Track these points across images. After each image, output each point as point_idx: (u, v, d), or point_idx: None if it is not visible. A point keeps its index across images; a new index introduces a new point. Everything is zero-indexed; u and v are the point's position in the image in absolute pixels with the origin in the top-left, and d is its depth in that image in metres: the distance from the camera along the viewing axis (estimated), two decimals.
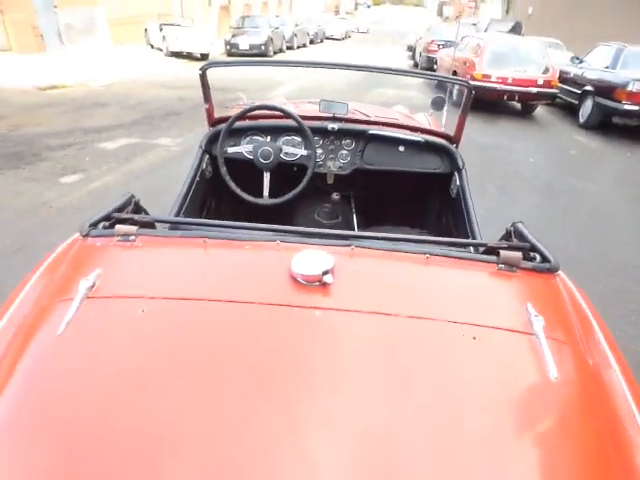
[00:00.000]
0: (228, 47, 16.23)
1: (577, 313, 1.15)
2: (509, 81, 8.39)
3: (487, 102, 8.71)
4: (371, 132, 2.36)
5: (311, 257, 1.02)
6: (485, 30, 16.37)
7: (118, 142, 5.61)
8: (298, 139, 2.35)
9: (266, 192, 2.22)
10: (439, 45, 12.64)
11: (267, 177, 2.25)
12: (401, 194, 2.77)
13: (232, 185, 2.16)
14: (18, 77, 9.46)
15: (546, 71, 8.52)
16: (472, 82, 8.24)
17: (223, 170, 2.14)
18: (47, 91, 8.74)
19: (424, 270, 1.16)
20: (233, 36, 16.47)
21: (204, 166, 2.35)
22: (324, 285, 1.01)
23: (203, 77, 2.19)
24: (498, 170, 5.65)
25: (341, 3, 41.74)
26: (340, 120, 2.37)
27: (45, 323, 0.94)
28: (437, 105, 2.63)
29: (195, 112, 6.90)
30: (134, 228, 1.17)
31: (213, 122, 2.38)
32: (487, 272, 1.16)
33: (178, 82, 10.24)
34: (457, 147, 2.43)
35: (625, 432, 0.87)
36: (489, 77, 8.38)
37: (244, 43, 15.96)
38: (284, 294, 0.99)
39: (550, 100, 8.96)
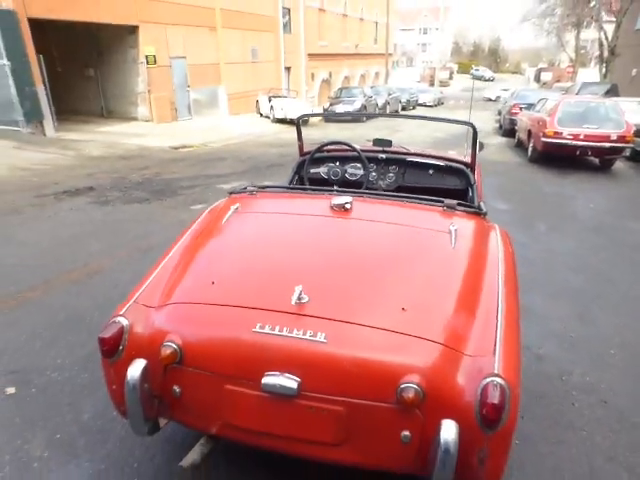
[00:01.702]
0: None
1: (487, 235, 2.07)
2: (581, 137, 8.93)
3: (561, 158, 9.27)
4: (408, 159, 3.39)
5: (340, 198, 2.08)
6: (577, 93, 16.78)
7: (232, 183, 7.13)
8: (358, 165, 3.43)
9: None
10: (521, 108, 13.38)
11: (335, 188, 3.36)
12: None
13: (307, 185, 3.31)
14: (158, 140, 11.88)
15: (620, 127, 8.94)
16: (544, 139, 8.82)
17: (306, 182, 3.29)
18: (179, 150, 10.92)
19: (400, 206, 2.17)
20: (331, 105, 18.59)
21: (294, 183, 3.50)
22: (346, 210, 2.05)
23: (298, 124, 3.41)
24: (555, 213, 6.24)
25: (435, 73, 43.84)
26: (387, 152, 3.44)
27: (217, 220, 2.09)
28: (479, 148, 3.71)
29: (292, 163, 8.38)
30: (255, 188, 2.32)
31: (302, 154, 3.56)
32: (437, 209, 2.13)
33: (280, 142, 12.08)
34: (472, 171, 3.35)
35: (480, 285, 1.76)
36: (560, 134, 8.99)
37: (340, 110, 17.91)
38: (329, 212, 2.06)
39: (622, 154, 9.28)
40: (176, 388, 1.61)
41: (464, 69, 72.32)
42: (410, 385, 1.38)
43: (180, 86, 16.25)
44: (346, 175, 3.39)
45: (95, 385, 2.42)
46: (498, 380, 1.38)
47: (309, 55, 24.61)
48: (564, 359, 2.87)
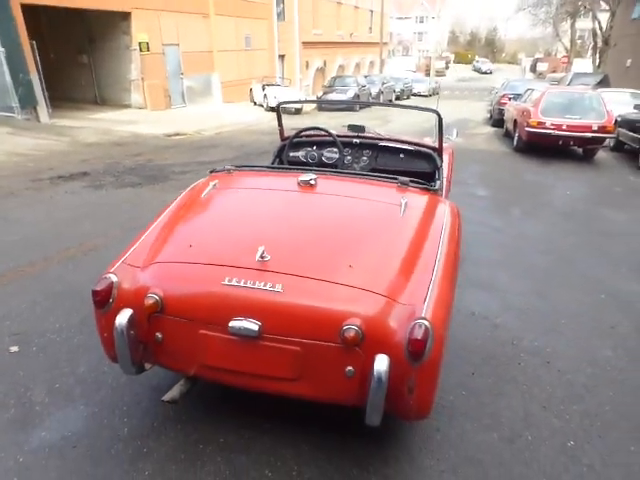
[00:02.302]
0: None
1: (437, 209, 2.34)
2: (564, 127, 9.19)
3: (545, 147, 9.54)
4: (380, 144, 3.65)
5: (306, 175, 2.35)
6: (568, 84, 17.02)
7: None
8: (334, 149, 3.68)
9: None
10: (509, 98, 13.61)
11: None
12: None
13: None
14: (151, 127, 12.05)
15: (601, 117, 9.21)
16: (528, 129, 9.07)
17: (285, 164, 3.55)
18: (172, 137, 11.10)
19: (360, 183, 2.44)
20: (324, 94, 18.74)
21: (276, 163, 3.75)
22: (311, 185, 2.32)
23: (277, 111, 3.65)
24: (532, 200, 6.51)
25: (431, 63, 43.78)
26: (361, 137, 3.70)
27: (198, 194, 2.36)
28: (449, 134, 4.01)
29: None
30: (233, 167, 2.58)
31: (283, 139, 3.81)
32: (392, 185, 2.40)
33: (273, 130, 12.20)
34: (440, 155, 3.61)
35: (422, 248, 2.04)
36: (543, 124, 9.25)
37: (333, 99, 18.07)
38: (296, 187, 2.32)
39: (603, 144, 9.56)
40: (158, 335, 1.89)
41: (460, 59, 72.22)
42: (351, 327, 1.66)
43: (174, 74, 16.35)
44: (323, 158, 3.65)
45: (90, 345, 2.69)
46: (423, 322, 1.66)
47: (303, 43, 24.64)
48: (518, 327, 3.16)
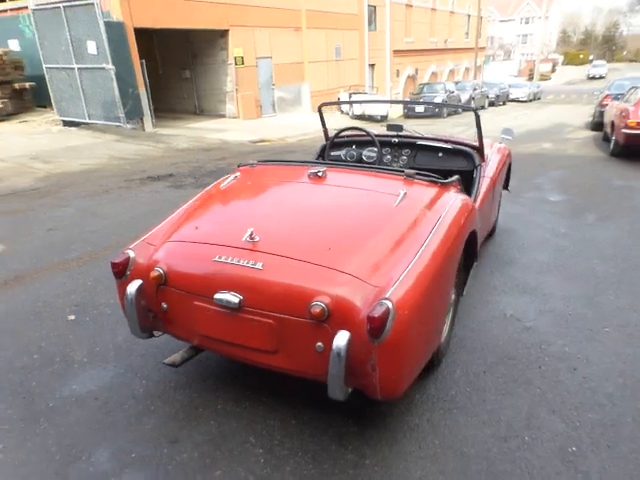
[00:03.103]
0: (405, 110, 18.36)
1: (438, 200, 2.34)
2: None
3: None
4: (418, 143, 3.66)
5: (316, 167, 2.49)
6: None
7: None
8: (374, 148, 3.76)
9: None
10: (612, 98, 12.49)
11: None
12: None
13: None
14: (240, 135, 12.87)
15: None
16: (626, 130, 8.40)
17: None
18: (256, 144, 11.78)
19: (367, 175, 2.51)
20: None
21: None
22: (319, 177, 2.45)
23: (320, 112, 3.82)
24: (612, 206, 5.97)
25: (535, 66, 41.37)
26: (400, 137, 3.74)
27: (218, 185, 2.60)
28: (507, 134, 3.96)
29: None
30: (255, 162, 2.78)
31: (327, 139, 3.97)
32: (398, 178, 2.44)
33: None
34: (480, 153, 3.54)
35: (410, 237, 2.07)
36: None
37: (419, 107, 17.88)
38: (306, 178, 2.47)
39: None
40: (164, 304, 2.13)
41: (571, 60, 67.02)
42: (318, 303, 1.76)
43: (265, 85, 17.28)
44: (363, 157, 3.74)
45: None
46: (386, 302, 1.71)
47: (394, 52, 24.68)
48: (551, 332, 2.99)
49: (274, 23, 16.98)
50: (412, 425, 2.19)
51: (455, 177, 2.73)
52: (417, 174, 2.49)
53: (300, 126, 15.29)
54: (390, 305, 1.71)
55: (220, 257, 2.00)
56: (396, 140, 3.78)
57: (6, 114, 11.89)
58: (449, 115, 18.66)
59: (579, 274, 3.84)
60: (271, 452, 2.03)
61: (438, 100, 18.14)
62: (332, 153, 3.88)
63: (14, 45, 12.96)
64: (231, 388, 2.44)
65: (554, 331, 3.00)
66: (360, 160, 3.75)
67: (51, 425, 2.19)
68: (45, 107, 12.86)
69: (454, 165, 3.60)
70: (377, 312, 1.68)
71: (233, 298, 1.90)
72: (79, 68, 10.72)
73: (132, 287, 2.10)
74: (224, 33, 15.52)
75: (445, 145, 3.63)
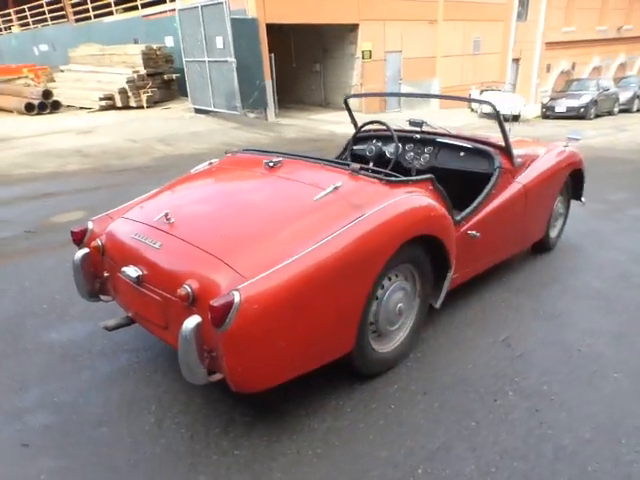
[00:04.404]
0: (544, 110, 16.64)
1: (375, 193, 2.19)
2: None
3: None
4: (438, 140, 3.38)
5: (273, 158, 2.49)
6: None
7: None
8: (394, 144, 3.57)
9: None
10: None
11: (371, 164, 3.60)
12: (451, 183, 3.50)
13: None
14: (351, 127, 12.96)
15: None
16: None
17: (346, 157, 3.66)
18: None
19: (315, 167, 2.43)
20: (551, 99, 16.76)
21: (343, 157, 3.86)
22: (271, 167, 2.46)
23: (346, 104, 3.75)
24: None
25: None
26: (421, 132, 3.49)
27: (192, 171, 2.74)
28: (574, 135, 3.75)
29: None
30: (238, 150, 2.87)
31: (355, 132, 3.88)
32: (344, 172, 2.32)
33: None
34: (508, 154, 3.14)
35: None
36: None
37: (561, 106, 16.06)
38: (261, 169, 2.49)
39: None
40: (105, 273, 2.35)
41: None
42: (185, 286, 1.80)
43: (392, 79, 17.09)
44: (386, 153, 3.58)
45: None
46: (234, 293, 1.68)
47: (547, 44, 22.42)
48: (541, 365, 2.56)
49: (407, 16, 16.65)
50: (306, 428, 2.10)
51: (423, 176, 2.49)
52: (362, 168, 2.33)
53: None
54: (237, 297, 1.67)
55: (136, 234, 2.15)
56: (418, 137, 3.53)
57: (153, 101, 13.65)
58: (598, 116, 16.40)
59: (628, 308, 3.20)
60: (160, 422, 2.13)
61: (586, 99, 16.02)
62: (355, 147, 3.78)
63: (169, 41, 14.74)
64: (164, 359, 2.58)
65: (546, 364, 2.57)
66: (381, 156, 3.58)
67: (16, 362, 2.58)
68: (186, 96, 14.45)
69: (474, 166, 3.24)
70: (218, 302, 1.67)
71: (133, 272, 2.03)
72: (209, 61, 11.83)
73: (78, 254, 2.36)
74: (354, 27, 15.70)
75: (465, 144, 3.29)
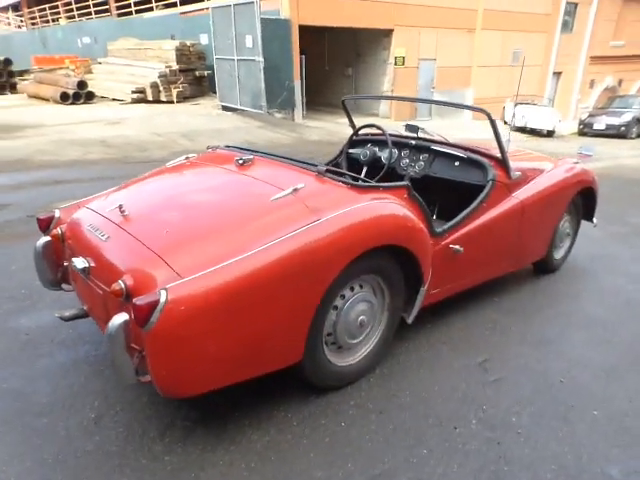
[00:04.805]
0: (581, 126, 16.05)
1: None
2: None
3: None
4: (432, 147, 3.23)
5: (244, 156, 2.41)
6: None
7: None
8: (392, 150, 3.44)
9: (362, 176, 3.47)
10: None
11: (364, 169, 3.49)
12: (445, 193, 3.36)
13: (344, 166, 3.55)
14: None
15: None
16: None
17: (341, 160, 3.54)
18: None
19: (284, 167, 2.33)
20: (590, 115, 16.15)
21: (339, 160, 3.75)
22: (241, 165, 2.37)
23: (344, 106, 3.64)
24: None
25: None
26: (417, 139, 3.35)
27: (167, 164, 2.69)
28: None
29: None
30: (217, 146, 2.80)
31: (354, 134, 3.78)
32: (311, 173, 2.22)
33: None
34: (505, 166, 2.98)
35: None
36: None
37: (600, 123, 15.46)
38: (231, 166, 2.41)
39: None
40: (65, 262, 2.32)
41: None
42: (119, 282, 1.73)
43: (424, 87, 16.83)
44: (381, 159, 3.45)
45: None
46: (161, 291, 1.60)
47: (592, 58, 21.62)
48: (515, 395, 2.39)
49: (443, 24, 16.36)
50: (246, 439, 2.00)
51: (398, 183, 2.36)
52: (328, 171, 2.22)
53: (444, 131, 14.52)
54: (163, 296, 1.59)
55: (90, 224, 2.10)
56: (413, 143, 3.39)
57: (184, 97, 13.84)
58: (639, 136, 15.70)
59: (625, 340, 2.97)
60: (99, 418, 2.07)
61: (627, 117, 15.32)
62: (351, 151, 3.66)
63: (204, 39, 14.93)
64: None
65: (520, 394, 2.39)
66: (376, 161, 3.45)
67: None
68: (216, 93, 14.61)
69: (467, 177, 3.08)
70: (142, 300, 1.59)
71: (80, 263, 1.98)
72: (238, 59, 11.91)
73: (40, 242, 2.34)
74: (388, 33, 15.54)
75: (460, 153, 3.12)
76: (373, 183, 2.29)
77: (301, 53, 13.59)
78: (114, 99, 14.00)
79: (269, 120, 12.74)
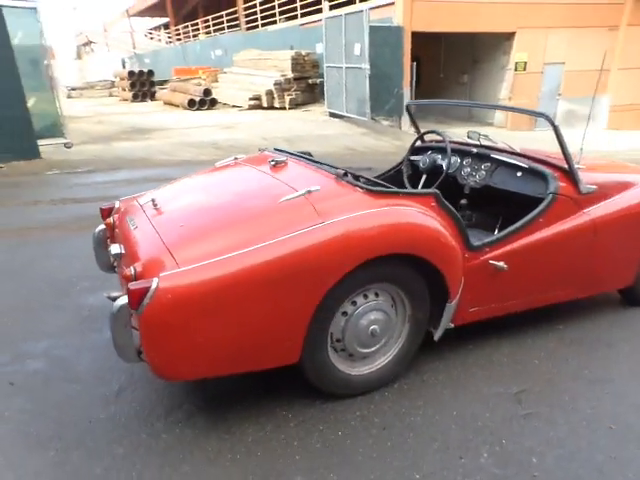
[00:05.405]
0: None
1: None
2: None
3: None
4: (493, 156, 3.00)
5: (276, 157, 2.49)
6: None
7: None
8: (452, 157, 3.27)
9: (420, 185, 3.36)
10: None
11: (424, 177, 3.38)
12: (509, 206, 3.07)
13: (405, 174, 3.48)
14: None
15: None
16: None
17: (404, 168, 3.47)
18: None
19: (311, 169, 2.35)
20: None
21: (404, 165, 3.66)
22: (274, 167, 2.46)
23: (408, 111, 3.55)
24: None
25: None
26: (479, 147, 3.14)
27: (216, 164, 2.88)
28: None
29: None
30: (270, 149, 2.91)
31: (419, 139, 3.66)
32: (331, 176, 2.21)
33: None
34: (574, 175, 2.67)
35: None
36: None
37: None
38: (264, 167, 2.51)
39: None
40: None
41: None
42: (131, 268, 1.90)
43: (548, 94, 15.54)
44: (438, 165, 3.32)
45: None
46: (153, 280, 1.72)
47: None
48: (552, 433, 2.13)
49: (577, 22, 14.91)
50: (240, 431, 2.04)
51: (424, 190, 2.25)
52: (346, 174, 2.18)
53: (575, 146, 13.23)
54: (154, 283, 1.71)
55: (130, 214, 2.33)
56: (475, 151, 3.17)
57: (296, 103, 14.48)
58: None
59: None
60: (119, 392, 2.28)
61: None
62: (412, 157, 3.55)
63: (319, 48, 15.47)
64: None
65: (552, 434, 2.11)
66: (437, 168, 3.31)
67: (46, 315, 3.00)
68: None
69: (528, 189, 2.79)
70: (136, 285, 1.72)
71: (114, 249, 2.21)
72: (346, 67, 12.13)
73: (97, 229, 2.64)
74: (509, 36, 14.64)
75: (521, 163, 2.84)
76: (394, 189, 2.21)
77: (415, 60, 13.40)
78: (234, 105, 15.14)
79: (374, 127, 12.76)
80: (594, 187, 2.78)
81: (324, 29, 12.75)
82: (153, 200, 2.25)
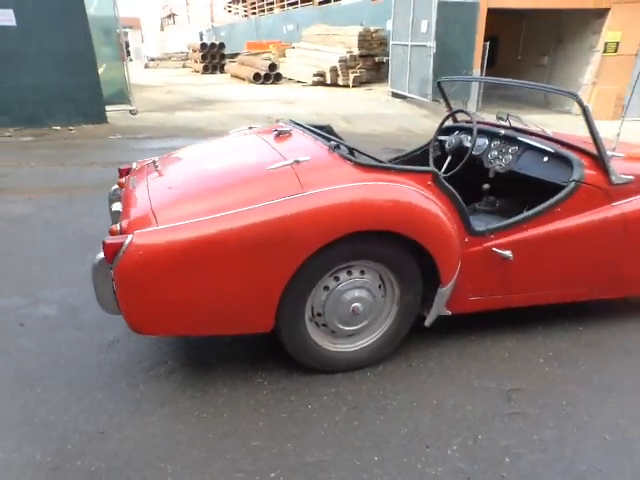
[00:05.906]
0: None
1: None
2: None
3: None
4: (520, 139, 2.80)
5: (282, 128, 2.48)
6: None
7: None
8: (483, 138, 3.10)
9: (444, 167, 3.21)
10: None
11: (449, 158, 3.23)
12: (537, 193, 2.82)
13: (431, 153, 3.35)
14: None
15: None
16: None
17: (431, 149, 3.36)
18: None
19: (310, 140, 2.31)
20: None
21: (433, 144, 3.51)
22: (278, 137, 2.45)
23: (440, 88, 3.38)
24: None
25: None
26: (507, 128, 2.94)
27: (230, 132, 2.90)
28: None
29: None
30: (284, 121, 2.90)
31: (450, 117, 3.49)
32: (324, 147, 2.17)
33: None
34: (604, 162, 2.44)
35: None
36: None
37: None
38: (269, 136, 2.50)
39: None
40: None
41: None
42: (117, 224, 1.99)
43: None
44: (463, 144, 3.17)
45: None
46: (129, 236, 1.78)
47: None
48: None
49: None
50: (213, 391, 2.10)
51: (421, 168, 2.14)
52: (338, 146, 2.12)
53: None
54: (127, 239, 1.77)
55: (135, 176, 2.43)
56: (502, 132, 2.95)
57: (360, 82, 14.22)
58: None
59: None
60: (116, 343, 2.40)
61: None
62: (440, 137, 3.39)
63: (390, 25, 15.03)
64: None
65: (537, 437, 1.99)
66: (461, 149, 3.14)
67: (68, 267, 3.19)
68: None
69: (553, 176, 2.57)
70: (110, 240, 1.79)
71: (115, 207, 2.31)
72: (411, 45, 11.68)
73: (112, 188, 2.76)
74: (602, 13, 13.40)
75: (548, 148, 2.61)
76: (386, 164, 2.12)
77: (491, 39, 12.66)
78: (298, 81, 15.13)
79: (436, 109, 12.25)
80: (630, 177, 2.52)
81: (393, 4, 12.33)
82: (155, 163, 2.32)
